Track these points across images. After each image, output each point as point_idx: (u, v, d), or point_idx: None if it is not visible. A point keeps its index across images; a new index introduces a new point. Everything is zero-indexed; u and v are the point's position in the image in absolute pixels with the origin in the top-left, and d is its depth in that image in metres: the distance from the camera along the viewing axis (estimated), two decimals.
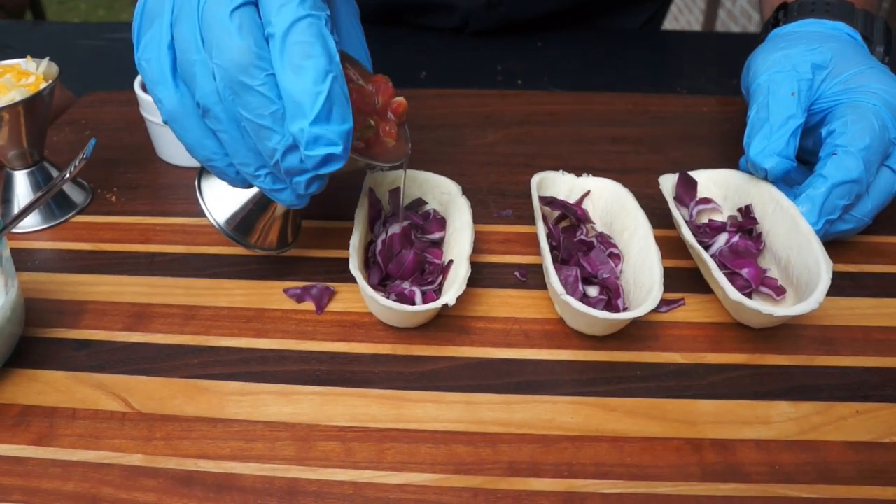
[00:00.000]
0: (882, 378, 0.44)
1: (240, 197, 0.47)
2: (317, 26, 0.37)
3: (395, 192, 0.53)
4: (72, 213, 0.58)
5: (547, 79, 0.82)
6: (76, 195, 0.59)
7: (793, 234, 0.48)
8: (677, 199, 0.53)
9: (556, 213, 0.53)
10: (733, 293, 0.44)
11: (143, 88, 0.64)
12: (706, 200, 0.54)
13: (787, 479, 0.38)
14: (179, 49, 0.39)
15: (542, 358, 0.45)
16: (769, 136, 0.50)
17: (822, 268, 0.44)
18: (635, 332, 0.47)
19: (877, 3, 0.63)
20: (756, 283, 0.47)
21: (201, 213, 0.55)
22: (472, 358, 0.45)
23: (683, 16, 3.79)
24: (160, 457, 0.39)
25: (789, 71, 0.53)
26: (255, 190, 0.47)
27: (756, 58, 0.57)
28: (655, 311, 0.48)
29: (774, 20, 0.62)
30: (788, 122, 0.50)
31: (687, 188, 0.53)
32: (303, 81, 0.36)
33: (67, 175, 0.47)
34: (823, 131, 0.52)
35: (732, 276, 0.48)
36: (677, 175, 0.54)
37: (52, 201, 0.57)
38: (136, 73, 0.65)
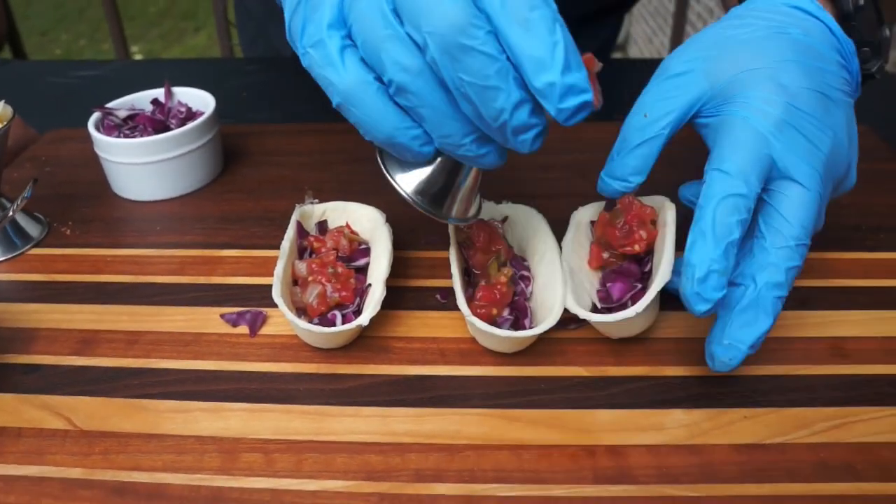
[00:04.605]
0: (771, 385, 0.48)
1: (427, 170, 0.45)
2: None
3: (323, 224, 0.58)
4: (28, 246, 0.62)
5: None
6: (32, 229, 0.63)
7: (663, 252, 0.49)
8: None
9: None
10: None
11: (97, 128, 0.68)
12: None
13: (673, 480, 0.42)
14: (361, 28, 0.38)
15: (454, 374, 0.49)
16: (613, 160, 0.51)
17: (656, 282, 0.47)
18: (543, 349, 0.50)
19: None
20: (618, 297, 0.50)
21: (150, 245, 0.60)
22: (390, 375, 0.49)
23: (658, 37, 3.86)
24: (97, 470, 0.43)
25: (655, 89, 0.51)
26: (438, 163, 0.45)
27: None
28: (564, 328, 0.51)
29: None
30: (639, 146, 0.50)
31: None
32: (536, 34, 0.36)
33: (10, 212, 0.50)
34: None
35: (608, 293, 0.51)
36: (595, 205, 0.57)
37: (7, 235, 0.61)
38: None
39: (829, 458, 0.43)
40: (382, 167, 0.46)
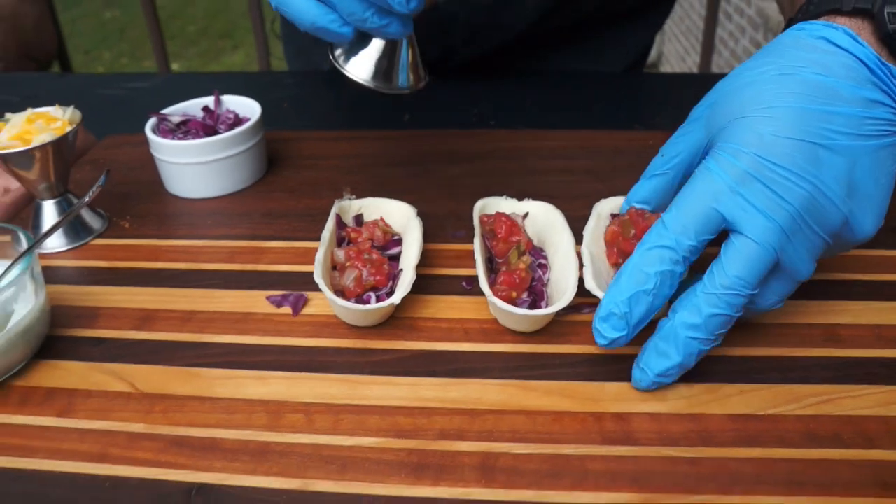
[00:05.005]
0: (767, 365, 0.52)
1: (371, 55, 0.55)
2: None
3: (359, 217, 0.63)
4: (91, 237, 0.68)
5: (517, 119, 0.91)
6: (95, 222, 0.69)
7: None
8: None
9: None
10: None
11: (154, 131, 0.74)
12: None
13: (672, 442, 0.46)
14: None
15: (477, 350, 0.54)
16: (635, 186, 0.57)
17: None
18: (558, 330, 0.55)
19: None
20: None
21: (201, 237, 0.66)
22: (419, 350, 0.54)
23: (690, 56, 3.90)
24: (158, 425, 0.48)
25: (684, 135, 0.54)
26: (378, 47, 0.55)
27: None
28: (578, 312, 0.56)
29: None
30: (651, 178, 0.56)
31: None
32: None
33: (86, 199, 0.57)
34: None
35: None
36: (617, 198, 0.62)
37: (74, 227, 0.67)
38: (147, 118, 0.76)
39: (817, 428, 0.47)
40: (337, 65, 0.56)
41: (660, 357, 0.48)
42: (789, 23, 0.54)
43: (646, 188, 0.56)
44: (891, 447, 0.46)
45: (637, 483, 0.44)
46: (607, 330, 0.48)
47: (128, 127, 0.89)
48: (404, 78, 0.56)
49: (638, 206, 0.56)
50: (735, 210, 0.46)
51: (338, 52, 0.56)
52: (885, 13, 0.47)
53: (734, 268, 0.46)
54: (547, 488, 0.44)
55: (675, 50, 4.18)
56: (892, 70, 0.47)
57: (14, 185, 0.75)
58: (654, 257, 0.47)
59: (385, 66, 0.55)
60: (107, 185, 0.62)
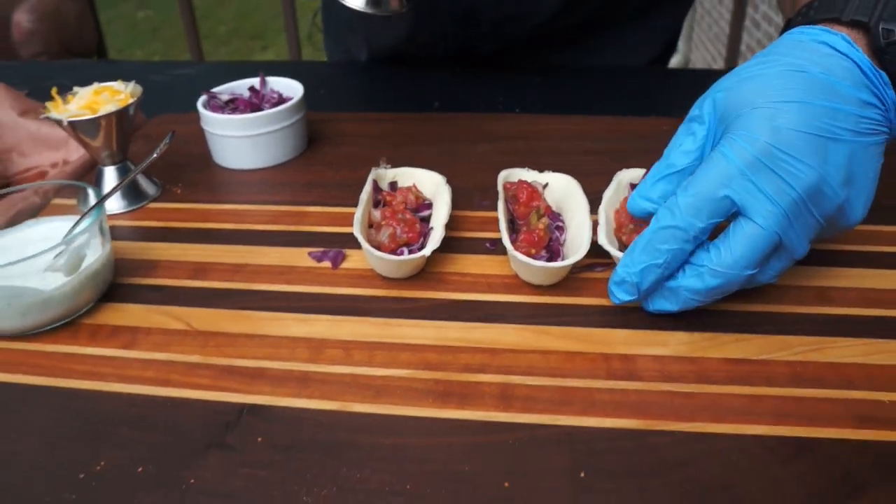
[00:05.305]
0: (762, 318, 0.57)
1: None
2: None
3: (394, 184, 0.69)
4: (146, 202, 0.75)
5: (541, 108, 0.97)
6: (150, 188, 0.76)
7: None
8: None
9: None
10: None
11: (205, 106, 0.80)
12: None
13: (672, 379, 0.52)
14: None
15: (498, 300, 0.60)
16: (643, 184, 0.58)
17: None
18: (573, 285, 0.61)
19: None
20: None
21: (247, 202, 0.72)
22: (446, 299, 0.60)
23: (717, 63, 3.93)
24: (212, 356, 0.54)
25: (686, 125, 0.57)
26: None
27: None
28: (591, 270, 0.62)
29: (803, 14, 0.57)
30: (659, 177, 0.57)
31: None
32: None
33: (155, 154, 0.64)
34: None
35: None
36: (637, 170, 0.68)
37: (132, 192, 0.74)
38: (195, 99, 0.82)
39: (803, 371, 0.52)
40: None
41: (663, 300, 0.55)
42: (787, 23, 0.58)
43: (668, 182, 0.56)
44: (867, 388, 0.51)
45: (638, 411, 0.49)
46: (620, 293, 0.55)
47: (174, 110, 0.96)
48: (388, 4, 0.71)
49: (660, 202, 0.56)
50: (744, 195, 0.49)
51: None
52: (881, 28, 0.51)
53: (739, 249, 0.51)
54: (558, 413, 0.49)
55: (702, 57, 4.21)
56: (883, 76, 0.51)
57: (73, 156, 0.82)
58: (667, 236, 0.52)
59: None
60: (159, 157, 0.68)
